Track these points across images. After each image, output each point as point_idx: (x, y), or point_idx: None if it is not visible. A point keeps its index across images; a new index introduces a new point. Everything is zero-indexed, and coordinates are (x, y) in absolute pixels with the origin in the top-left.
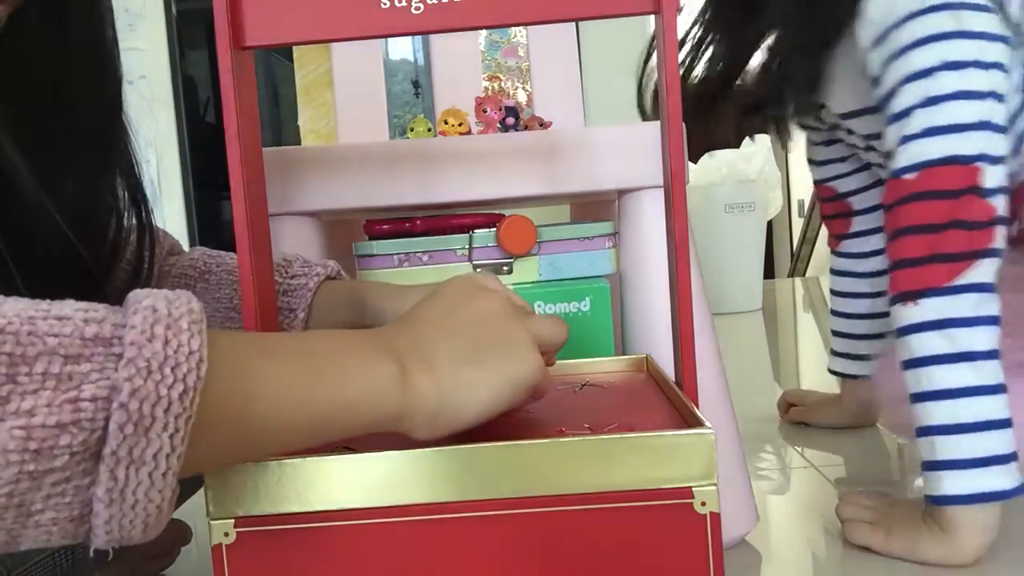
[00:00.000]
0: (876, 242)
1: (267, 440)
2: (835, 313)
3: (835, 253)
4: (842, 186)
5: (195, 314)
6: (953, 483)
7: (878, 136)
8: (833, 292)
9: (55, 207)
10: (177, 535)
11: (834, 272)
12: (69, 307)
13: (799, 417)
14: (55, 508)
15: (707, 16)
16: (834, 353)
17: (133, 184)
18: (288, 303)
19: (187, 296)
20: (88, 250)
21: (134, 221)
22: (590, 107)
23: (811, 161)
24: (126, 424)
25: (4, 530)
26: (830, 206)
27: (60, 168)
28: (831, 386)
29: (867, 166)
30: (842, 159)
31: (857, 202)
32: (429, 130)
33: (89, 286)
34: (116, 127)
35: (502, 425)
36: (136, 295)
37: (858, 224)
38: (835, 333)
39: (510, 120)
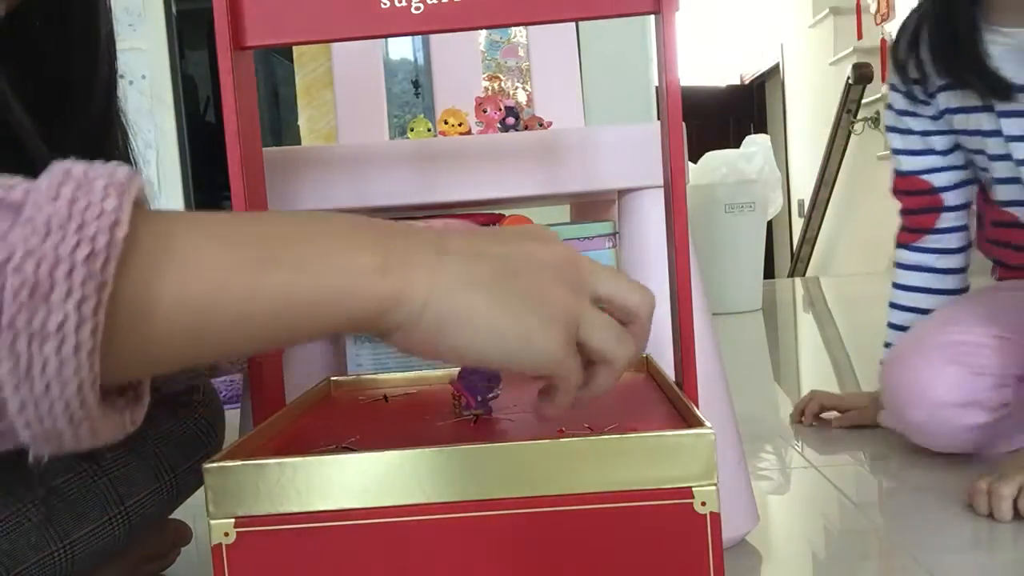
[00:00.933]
0: (957, 240)
1: (214, 335)
2: (898, 307)
3: (910, 248)
4: (937, 180)
5: (117, 178)
6: None
7: None
8: (900, 286)
9: None
10: (177, 535)
11: (905, 266)
12: None
13: (844, 422)
14: None
15: None
16: (890, 347)
17: None
18: None
19: (120, 167)
20: None
21: None
22: (590, 107)
23: (902, 151)
24: (20, 289)
25: None
26: (920, 200)
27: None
28: (827, 386)
29: (964, 166)
30: (942, 153)
31: (950, 198)
32: (429, 130)
33: None
34: (110, 117)
35: (502, 425)
36: (58, 162)
37: (945, 221)
38: (894, 327)
39: (510, 120)
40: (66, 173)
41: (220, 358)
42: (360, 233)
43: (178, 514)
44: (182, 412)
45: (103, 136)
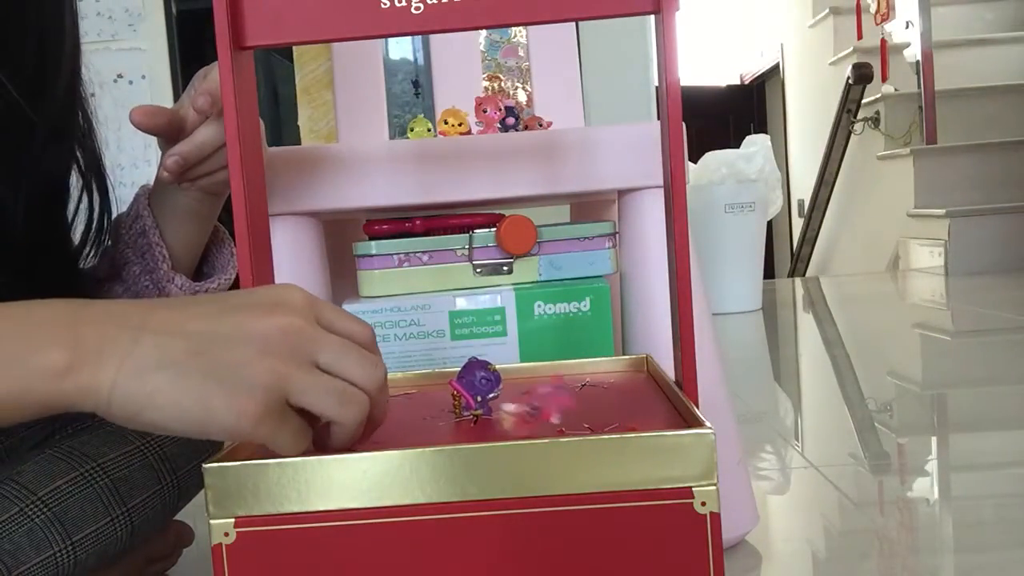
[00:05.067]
0: None
1: None
2: None
3: None
4: None
5: None
6: None
7: None
8: None
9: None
10: (179, 536)
11: None
12: None
13: None
14: None
15: None
16: None
17: (93, 164)
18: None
19: None
20: (55, 229)
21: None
22: (590, 107)
23: None
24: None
25: None
26: None
27: (25, 140)
28: (827, 386)
29: None
30: None
31: None
32: (429, 130)
33: (65, 266)
34: (73, 96)
35: (502, 425)
36: None
37: None
38: None
39: (510, 120)
40: None
41: None
42: (50, 329)
43: (179, 514)
44: None
45: (68, 113)
